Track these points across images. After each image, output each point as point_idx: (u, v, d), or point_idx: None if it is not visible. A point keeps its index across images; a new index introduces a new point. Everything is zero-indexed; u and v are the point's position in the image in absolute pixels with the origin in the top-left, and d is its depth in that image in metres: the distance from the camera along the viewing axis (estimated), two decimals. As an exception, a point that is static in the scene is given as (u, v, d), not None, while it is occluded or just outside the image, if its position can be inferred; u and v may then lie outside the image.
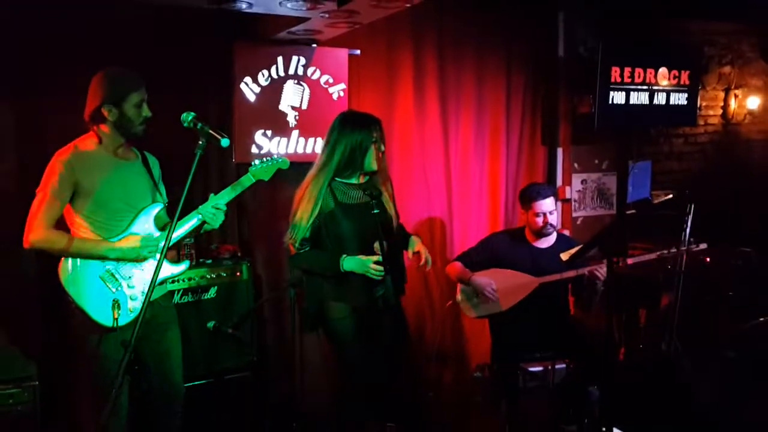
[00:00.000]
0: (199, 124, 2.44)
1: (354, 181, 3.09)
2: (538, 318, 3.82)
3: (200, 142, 2.40)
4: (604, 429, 3.70)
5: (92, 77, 2.68)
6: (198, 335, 3.35)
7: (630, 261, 3.77)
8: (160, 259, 2.24)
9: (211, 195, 2.84)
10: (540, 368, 4.37)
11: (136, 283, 2.70)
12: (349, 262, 2.94)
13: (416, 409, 3.29)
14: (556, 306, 3.95)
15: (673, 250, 3.74)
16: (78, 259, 2.63)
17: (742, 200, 5.37)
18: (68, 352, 3.10)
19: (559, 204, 4.25)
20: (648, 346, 4.37)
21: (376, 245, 2.87)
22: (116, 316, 2.54)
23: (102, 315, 2.61)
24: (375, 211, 2.83)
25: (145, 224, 2.77)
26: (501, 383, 4.15)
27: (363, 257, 2.92)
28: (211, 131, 2.41)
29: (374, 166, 3.06)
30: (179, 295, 3.35)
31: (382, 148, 3.08)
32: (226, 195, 2.84)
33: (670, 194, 4.65)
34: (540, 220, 3.83)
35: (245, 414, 3.48)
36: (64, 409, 3.30)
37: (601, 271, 3.66)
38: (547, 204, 3.82)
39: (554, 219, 3.87)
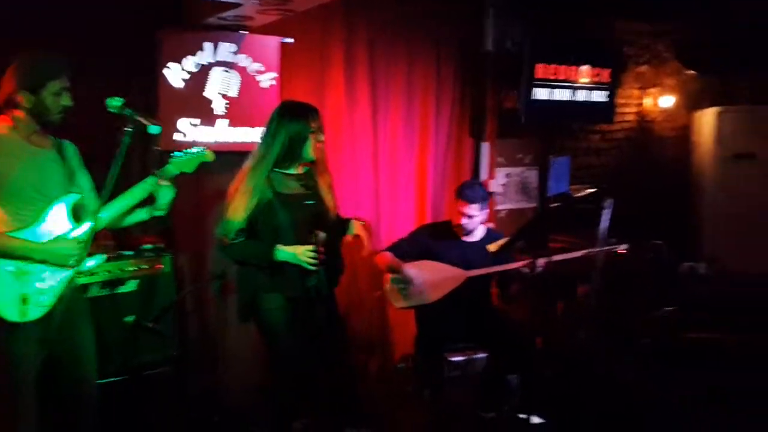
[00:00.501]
0: (127, 110, 2.34)
1: (292, 171, 3.05)
2: (464, 309, 3.90)
3: (128, 129, 2.30)
4: (522, 416, 3.88)
5: (10, 62, 2.54)
6: (116, 330, 3.24)
7: (556, 258, 3.89)
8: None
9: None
10: (462, 358, 4.48)
11: (46, 277, 2.57)
12: (284, 253, 2.91)
13: (345, 401, 3.28)
14: (482, 298, 4.04)
15: (596, 249, 3.88)
16: None
17: (655, 195, 5.64)
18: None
19: (487, 211, 4.34)
20: (565, 336, 4.53)
21: (312, 236, 2.86)
22: (24, 312, 2.43)
23: (9, 310, 2.48)
24: (309, 202, 2.82)
25: (59, 215, 2.63)
26: (425, 373, 4.23)
27: (297, 247, 2.89)
28: (139, 117, 2.33)
29: (313, 156, 3.04)
30: (97, 288, 3.23)
31: (321, 138, 3.06)
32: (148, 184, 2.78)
33: (593, 188, 4.82)
34: (458, 219, 3.92)
35: (166, 409, 3.40)
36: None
37: (540, 263, 3.75)
38: (472, 208, 3.89)
39: (472, 224, 3.93)
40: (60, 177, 2.67)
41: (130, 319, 3.27)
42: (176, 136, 3.73)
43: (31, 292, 2.52)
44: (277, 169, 3.01)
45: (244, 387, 3.88)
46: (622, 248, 3.99)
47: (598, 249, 3.92)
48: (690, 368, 4.20)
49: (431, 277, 3.83)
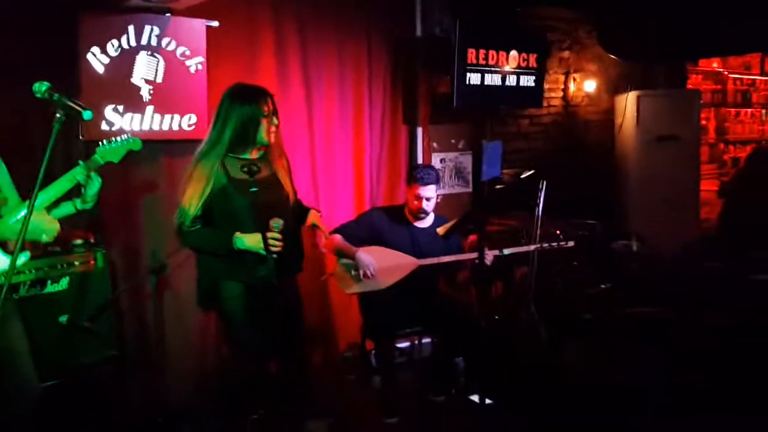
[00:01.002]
0: (56, 95, 2.17)
1: (247, 156, 2.95)
2: (413, 296, 3.87)
3: (57, 115, 2.13)
4: (472, 398, 3.89)
5: None
6: (49, 331, 3.03)
7: (507, 251, 3.92)
8: (17, 244, 1.96)
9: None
10: (407, 343, 4.46)
11: None
12: (242, 241, 2.80)
13: (299, 392, 3.19)
14: (430, 284, 4.01)
15: (546, 245, 3.95)
16: None
17: (582, 177, 5.78)
18: None
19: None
20: (505, 317, 4.58)
21: (272, 222, 2.77)
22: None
23: None
24: (252, 189, 2.71)
25: None
26: (375, 361, 4.17)
27: (256, 235, 2.78)
28: (70, 102, 2.16)
29: (267, 140, 2.94)
30: (25, 288, 3.00)
31: (275, 121, 2.97)
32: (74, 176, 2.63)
33: (532, 171, 4.89)
34: (417, 203, 3.90)
35: (106, 412, 3.21)
36: None
37: (487, 258, 3.80)
38: (428, 190, 3.88)
39: (430, 206, 3.93)
40: None
41: (63, 318, 3.07)
42: (103, 126, 3.53)
43: None
44: (231, 154, 2.90)
45: (185, 386, 3.72)
46: (569, 245, 4.07)
47: (547, 244, 4.00)
48: (632, 343, 4.32)
49: (383, 264, 3.77)
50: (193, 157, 2.92)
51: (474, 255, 3.81)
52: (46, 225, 2.48)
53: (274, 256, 2.76)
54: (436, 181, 3.94)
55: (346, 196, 4.66)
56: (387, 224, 3.96)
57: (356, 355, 4.35)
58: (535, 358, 4.14)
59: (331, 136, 4.56)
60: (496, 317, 4.55)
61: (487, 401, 3.66)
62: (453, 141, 5.28)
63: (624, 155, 6.23)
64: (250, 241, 2.80)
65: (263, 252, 2.76)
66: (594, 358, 4.20)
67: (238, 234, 2.82)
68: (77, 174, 2.64)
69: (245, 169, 2.76)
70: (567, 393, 3.78)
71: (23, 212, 2.43)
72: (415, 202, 3.91)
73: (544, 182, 4.26)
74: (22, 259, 2.58)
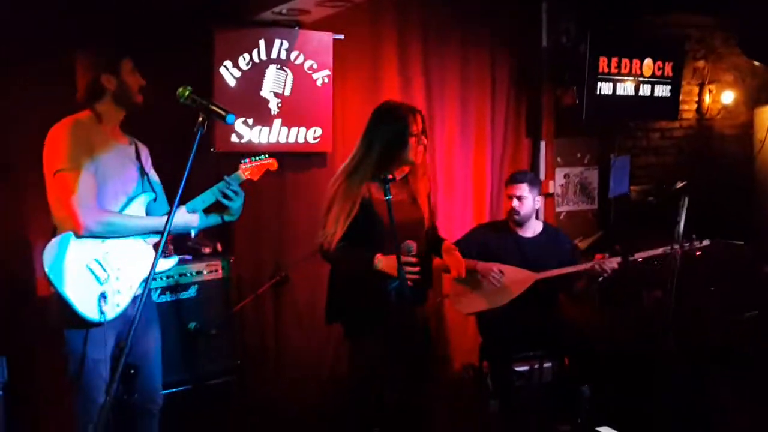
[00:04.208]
0: (199, 99, 2.18)
1: (391, 176, 2.82)
2: (530, 314, 3.69)
3: (200, 119, 2.14)
4: (598, 429, 3.64)
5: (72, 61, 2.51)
6: (178, 337, 3.08)
7: (639, 256, 3.68)
8: (159, 249, 1.98)
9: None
10: (527, 367, 4.25)
11: (124, 276, 2.46)
12: (382, 264, 2.72)
13: (411, 413, 3.09)
14: (549, 301, 3.83)
15: (676, 246, 3.66)
16: (68, 246, 2.37)
17: (717, 195, 5.37)
18: (37, 347, 2.89)
19: (541, 198, 4.14)
20: (638, 344, 4.27)
21: (404, 245, 2.68)
22: (102, 311, 2.31)
23: (87, 308, 2.36)
24: (389, 210, 2.61)
25: (138, 212, 2.57)
26: (492, 383, 4.01)
27: (391, 258, 2.67)
28: (213, 106, 2.16)
29: (413, 160, 2.87)
30: (157, 294, 3.07)
31: (423, 140, 2.88)
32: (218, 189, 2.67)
33: (684, 182, 4.59)
34: (508, 203, 3.81)
35: (227, 421, 3.23)
36: (30, 409, 3.03)
37: (609, 264, 3.58)
38: (517, 189, 3.77)
39: (524, 207, 3.78)
40: (136, 175, 2.62)
41: (192, 326, 3.11)
42: (233, 138, 3.59)
43: (109, 291, 2.42)
44: (375, 173, 2.82)
45: (303, 397, 3.71)
46: (703, 243, 3.76)
47: (679, 245, 3.70)
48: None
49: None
50: (337, 175, 2.86)
51: (590, 264, 3.62)
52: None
53: (409, 283, 2.65)
54: (530, 181, 3.82)
55: (465, 211, 4.54)
56: (493, 237, 3.84)
57: (471, 375, 4.19)
58: (670, 389, 3.83)
59: (451, 151, 4.46)
60: (626, 343, 4.25)
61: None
62: (579, 155, 5.05)
63: (765, 172, 5.74)
64: (385, 264, 2.71)
65: (400, 275, 2.64)
66: (745, 396, 3.82)
67: (379, 256, 2.73)
68: (222, 188, 2.67)
69: (386, 188, 2.67)
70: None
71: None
72: (508, 202, 3.81)
73: (687, 198, 3.96)
74: (173, 261, 2.67)
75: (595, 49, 4.53)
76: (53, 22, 3.05)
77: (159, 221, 2.47)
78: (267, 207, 3.81)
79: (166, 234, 2.01)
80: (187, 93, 2.20)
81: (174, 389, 3.03)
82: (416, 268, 2.68)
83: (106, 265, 2.44)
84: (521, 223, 3.85)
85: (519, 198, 3.77)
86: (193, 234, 2.67)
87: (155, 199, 2.67)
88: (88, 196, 2.38)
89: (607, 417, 3.49)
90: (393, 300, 2.68)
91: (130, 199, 2.56)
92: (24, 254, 2.92)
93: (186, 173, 2.04)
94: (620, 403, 3.65)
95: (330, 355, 3.91)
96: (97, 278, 2.41)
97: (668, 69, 4.91)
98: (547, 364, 4.22)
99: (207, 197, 2.64)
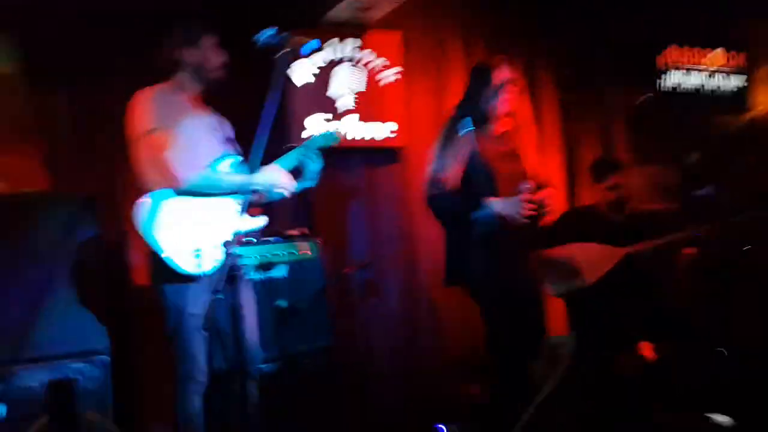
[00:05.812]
0: (283, 34, 2.26)
1: (489, 130, 2.92)
2: (628, 298, 3.52)
3: (285, 52, 2.22)
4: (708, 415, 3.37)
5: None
6: (270, 316, 3.10)
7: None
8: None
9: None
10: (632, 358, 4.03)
11: (217, 232, 2.49)
12: (495, 204, 2.74)
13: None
14: (649, 282, 3.65)
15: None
16: (159, 204, 2.45)
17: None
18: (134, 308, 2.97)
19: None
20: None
21: (521, 185, 2.71)
22: (199, 265, 2.37)
23: (183, 262, 2.42)
24: (492, 162, 2.67)
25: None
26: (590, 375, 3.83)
27: (508, 198, 2.73)
28: (297, 37, 2.24)
29: (504, 110, 2.91)
30: (251, 272, 3.11)
31: (512, 89, 2.91)
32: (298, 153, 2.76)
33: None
34: (612, 195, 3.67)
35: (319, 401, 3.20)
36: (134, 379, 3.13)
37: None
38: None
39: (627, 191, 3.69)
40: (220, 141, 2.69)
41: (283, 303, 3.13)
42: (305, 135, 3.70)
43: (204, 247, 2.47)
44: (475, 127, 2.85)
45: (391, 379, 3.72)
46: None
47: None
48: None
49: (584, 256, 3.52)
50: (441, 130, 2.95)
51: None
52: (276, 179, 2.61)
53: (527, 220, 2.68)
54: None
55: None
56: (581, 223, 3.73)
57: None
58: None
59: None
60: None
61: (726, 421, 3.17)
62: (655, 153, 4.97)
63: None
64: (503, 203, 2.73)
65: (518, 214, 2.68)
66: None
67: (491, 198, 2.75)
68: (300, 153, 2.75)
69: (501, 141, 2.73)
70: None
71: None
72: (607, 196, 3.70)
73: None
74: (263, 221, 2.68)
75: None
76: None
77: (250, 179, 2.48)
78: (346, 199, 3.91)
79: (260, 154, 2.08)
80: (271, 32, 2.28)
81: (267, 365, 3.02)
82: (532, 205, 2.71)
83: (200, 222, 2.49)
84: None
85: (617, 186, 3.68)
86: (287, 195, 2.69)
87: (240, 164, 2.71)
88: (183, 151, 2.45)
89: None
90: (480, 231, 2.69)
91: (216, 161, 2.61)
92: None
93: (269, 121, 2.12)
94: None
95: (415, 343, 3.90)
96: (192, 234, 2.46)
97: (741, 59, 4.86)
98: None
99: (290, 160, 2.71)
